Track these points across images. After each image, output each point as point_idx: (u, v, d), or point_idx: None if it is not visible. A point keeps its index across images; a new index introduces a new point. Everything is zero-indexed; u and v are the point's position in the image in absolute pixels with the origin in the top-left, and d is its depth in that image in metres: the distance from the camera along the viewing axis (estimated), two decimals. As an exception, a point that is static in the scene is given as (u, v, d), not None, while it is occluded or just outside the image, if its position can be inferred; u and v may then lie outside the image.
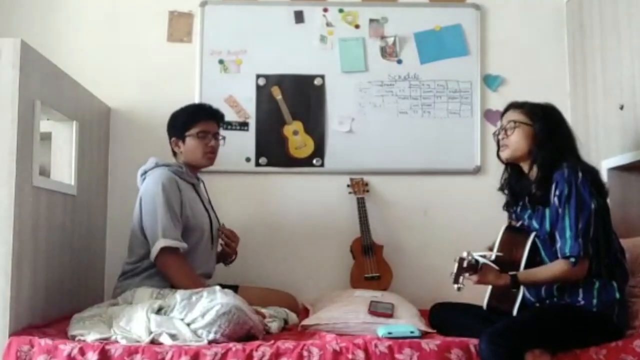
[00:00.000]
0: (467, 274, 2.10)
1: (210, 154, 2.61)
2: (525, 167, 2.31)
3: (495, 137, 2.38)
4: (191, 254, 2.50)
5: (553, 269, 2.12)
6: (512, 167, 2.37)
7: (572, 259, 2.07)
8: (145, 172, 2.56)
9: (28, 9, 3.20)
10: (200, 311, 2.14)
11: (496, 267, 2.14)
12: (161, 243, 2.37)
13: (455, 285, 2.08)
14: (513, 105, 2.34)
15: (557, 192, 2.14)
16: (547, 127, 2.24)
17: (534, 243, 2.22)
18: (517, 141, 2.28)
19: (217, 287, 2.27)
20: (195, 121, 2.58)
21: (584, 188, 2.10)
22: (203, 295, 2.22)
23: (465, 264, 2.08)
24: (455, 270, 2.08)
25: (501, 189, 2.42)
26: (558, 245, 2.12)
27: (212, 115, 2.65)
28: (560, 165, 2.16)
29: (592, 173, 2.17)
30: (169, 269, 2.40)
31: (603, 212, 2.15)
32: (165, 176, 2.48)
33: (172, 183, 2.47)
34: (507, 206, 2.42)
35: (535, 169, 2.27)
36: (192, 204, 2.54)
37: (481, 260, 2.11)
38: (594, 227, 2.08)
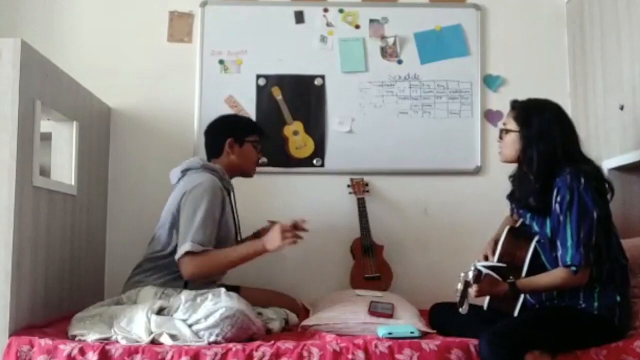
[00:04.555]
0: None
1: (257, 165, 2.72)
2: (523, 169, 2.30)
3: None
4: None
5: (553, 276, 2.10)
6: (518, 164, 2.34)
7: (573, 268, 2.05)
8: (187, 170, 2.54)
9: (28, 9, 3.20)
10: (203, 313, 2.14)
11: (499, 278, 2.12)
12: (187, 247, 2.33)
13: (460, 309, 2.07)
14: (511, 105, 2.32)
15: (559, 199, 2.10)
16: (531, 134, 2.19)
17: (535, 247, 2.21)
18: (506, 147, 2.28)
19: (223, 290, 2.27)
20: (256, 131, 2.70)
21: (587, 195, 2.07)
22: (208, 297, 2.22)
23: (471, 284, 2.06)
24: (460, 292, 2.07)
25: (511, 177, 2.39)
26: (559, 253, 2.09)
27: (264, 134, 2.77)
28: (562, 170, 2.12)
29: (595, 177, 2.13)
30: (195, 271, 2.36)
31: (606, 217, 2.13)
32: (214, 184, 2.46)
33: (219, 192, 2.47)
34: (511, 197, 2.40)
35: (532, 175, 2.22)
36: (227, 214, 2.54)
37: (484, 271, 2.09)
38: (595, 234, 2.06)
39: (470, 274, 2.06)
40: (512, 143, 2.25)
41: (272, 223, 2.60)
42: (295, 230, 2.39)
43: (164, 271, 2.43)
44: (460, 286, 2.07)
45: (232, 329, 2.12)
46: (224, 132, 2.64)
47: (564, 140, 2.19)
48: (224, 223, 2.49)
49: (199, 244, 2.33)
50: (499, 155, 2.36)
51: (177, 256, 2.36)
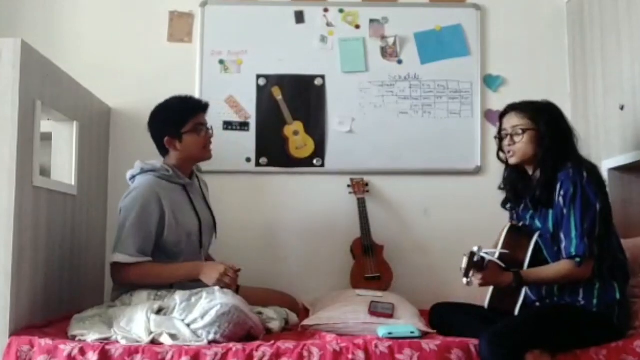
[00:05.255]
0: (473, 273, 2.10)
1: (209, 146, 2.56)
2: (530, 169, 2.31)
3: (497, 140, 2.37)
4: (177, 258, 2.45)
5: (558, 268, 2.12)
6: (514, 167, 2.36)
7: (578, 259, 2.07)
8: (133, 177, 2.51)
9: (28, 9, 3.20)
10: (199, 312, 2.14)
11: (502, 265, 2.14)
12: (113, 257, 2.32)
13: (465, 280, 2.07)
14: (513, 108, 2.32)
15: (562, 192, 2.13)
16: (550, 130, 2.23)
17: (537, 243, 2.21)
18: (524, 147, 2.27)
19: (217, 287, 2.27)
20: (189, 116, 2.49)
21: (589, 188, 2.10)
22: (202, 295, 2.21)
23: (475, 259, 2.08)
24: (465, 264, 2.08)
25: (502, 187, 2.41)
26: (563, 245, 2.11)
27: (202, 108, 2.55)
28: (564, 165, 2.16)
29: (595, 171, 2.17)
30: (124, 281, 2.35)
31: (606, 212, 2.15)
32: (147, 188, 2.39)
33: (151, 196, 2.38)
34: (505, 204, 2.42)
35: (538, 170, 2.26)
36: (178, 211, 2.45)
37: (487, 257, 2.11)
38: (598, 227, 2.08)
39: (476, 248, 2.08)
40: (530, 141, 2.25)
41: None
42: (230, 275, 2.34)
43: None
44: (465, 261, 2.08)
45: (230, 325, 2.12)
46: (158, 133, 2.53)
47: (570, 135, 2.26)
48: (172, 225, 2.41)
49: (128, 255, 2.32)
50: (510, 160, 2.33)
51: (109, 262, 2.35)
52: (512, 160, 2.33)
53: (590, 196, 2.10)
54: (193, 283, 2.40)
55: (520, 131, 2.27)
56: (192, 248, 2.52)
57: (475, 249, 2.09)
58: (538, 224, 2.26)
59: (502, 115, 2.36)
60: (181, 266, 2.41)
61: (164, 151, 2.55)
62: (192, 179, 2.62)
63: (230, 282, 2.33)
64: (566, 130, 2.26)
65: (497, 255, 2.16)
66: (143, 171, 2.47)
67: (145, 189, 2.40)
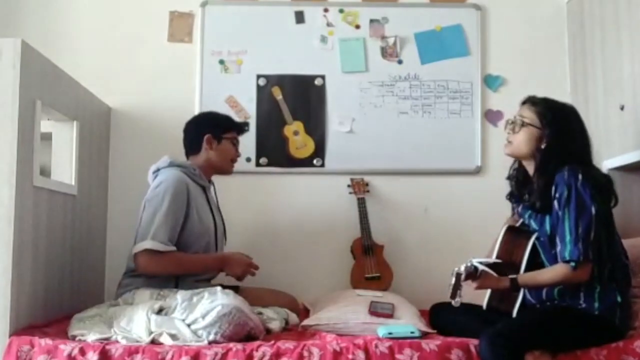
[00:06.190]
0: (467, 282, 2.10)
1: (234, 162, 2.71)
2: (528, 167, 2.29)
3: (506, 127, 2.33)
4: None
5: (554, 272, 2.11)
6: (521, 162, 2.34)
7: (572, 264, 2.05)
8: (157, 170, 2.55)
9: (28, 9, 3.20)
10: (200, 312, 2.14)
11: (494, 274, 2.14)
12: (147, 244, 2.33)
13: (452, 301, 2.07)
14: (530, 100, 2.28)
15: (557, 195, 2.11)
16: (554, 134, 2.18)
17: (534, 245, 2.21)
18: (521, 141, 2.24)
19: (218, 288, 2.28)
20: (232, 128, 2.69)
21: (584, 191, 2.07)
22: (204, 296, 2.22)
23: (462, 278, 2.08)
24: (452, 285, 2.08)
25: (509, 178, 2.39)
26: (558, 249, 2.10)
27: (242, 130, 2.79)
28: (562, 167, 2.12)
29: (597, 178, 2.13)
30: (154, 269, 2.37)
31: (605, 215, 2.12)
32: (177, 179, 2.45)
33: (182, 187, 2.45)
34: (511, 196, 2.39)
35: (537, 175, 2.22)
36: (200, 209, 2.51)
37: (480, 267, 2.11)
38: (594, 230, 2.05)
39: (462, 267, 2.08)
40: (530, 139, 2.22)
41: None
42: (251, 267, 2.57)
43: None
44: (452, 280, 2.08)
45: (230, 326, 2.12)
46: (202, 129, 2.63)
47: (582, 146, 2.21)
48: (195, 220, 2.47)
49: (161, 242, 2.34)
50: (505, 149, 2.31)
51: (134, 250, 2.36)
52: (506, 150, 2.30)
53: (585, 199, 2.06)
54: (198, 283, 2.42)
55: (522, 123, 2.23)
56: (209, 249, 2.56)
57: (461, 269, 2.08)
58: (534, 225, 2.25)
59: (521, 104, 2.31)
60: (207, 257, 2.53)
61: (195, 150, 2.63)
62: (210, 184, 2.70)
63: (250, 271, 2.55)
64: (574, 138, 2.20)
65: (491, 262, 2.16)
66: (172, 165, 2.53)
67: (176, 181, 2.45)
